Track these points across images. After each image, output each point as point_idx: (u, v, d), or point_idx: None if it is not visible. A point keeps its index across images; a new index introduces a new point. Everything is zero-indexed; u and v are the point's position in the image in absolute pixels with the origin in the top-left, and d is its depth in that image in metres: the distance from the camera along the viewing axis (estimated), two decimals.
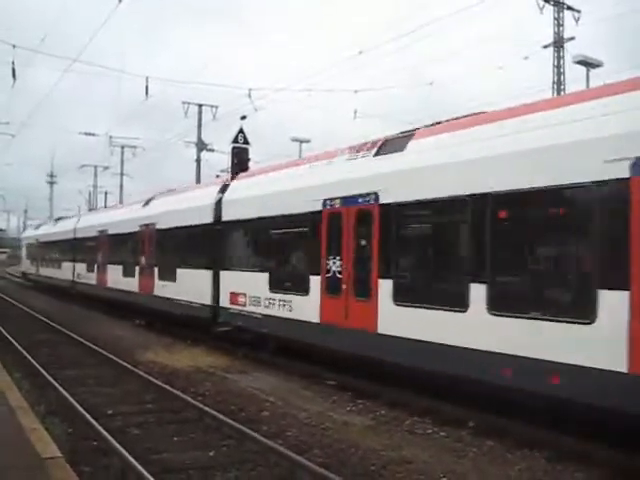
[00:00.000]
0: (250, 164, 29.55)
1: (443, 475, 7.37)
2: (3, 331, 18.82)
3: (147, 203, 23.24)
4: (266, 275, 14.20)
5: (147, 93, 27.87)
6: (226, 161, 33.11)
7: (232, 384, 12.45)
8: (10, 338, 17.44)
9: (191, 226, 18.20)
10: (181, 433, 8.99)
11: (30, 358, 14.29)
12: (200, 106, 36.45)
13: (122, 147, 51.31)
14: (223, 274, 16.41)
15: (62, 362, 14.47)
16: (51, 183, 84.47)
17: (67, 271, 33.24)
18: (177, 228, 19.37)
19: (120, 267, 24.30)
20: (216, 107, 36.38)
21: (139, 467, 7.17)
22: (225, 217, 16.70)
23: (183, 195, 20.75)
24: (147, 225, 21.63)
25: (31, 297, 35.21)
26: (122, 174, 57.41)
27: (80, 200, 71.08)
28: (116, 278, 24.64)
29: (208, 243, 17.22)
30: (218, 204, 17.00)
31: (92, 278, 28.23)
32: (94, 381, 12.54)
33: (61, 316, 24.03)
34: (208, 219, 17.21)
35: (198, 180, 34.36)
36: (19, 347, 15.86)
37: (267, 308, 14.16)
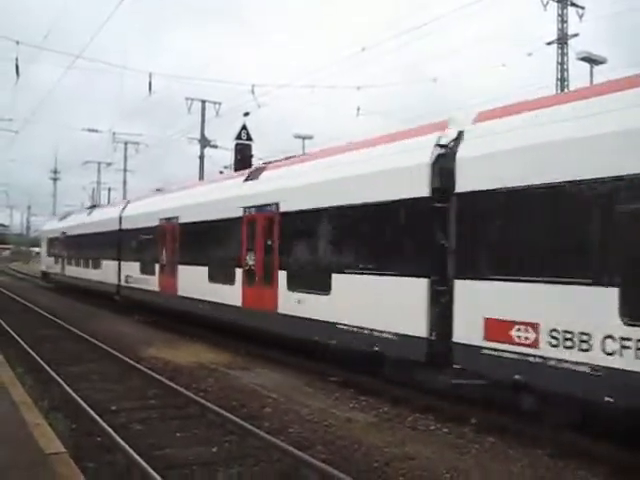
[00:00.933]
0: (253, 160, 29.61)
1: (446, 471, 7.38)
2: (6, 326, 18.89)
3: (253, 176, 16.34)
4: (205, 269, 17.50)
5: (150, 89, 27.95)
6: (229, 157, 33.19)
7: (234, 380, 12.47)
8: (13, 333, 17.49)
9: (386, 203, 10.82)
10: (184, 429, 9.01)
11: (33, 353, 14.33)
12: (203, 102, 36.43)
13: (125, 143, 51.38)
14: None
15: (65, 358, 14.50)
16: (54, 179, 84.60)
17: (109, 272, 26.59)
18: (350, 207, 11.74)
19: (202, 269, 17.54)
20: (219, 103, 36.37)
21: (143, 463, 7.20)
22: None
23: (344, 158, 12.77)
24: (263, 207, 14.93)
25: (33, 293, 35.28)
26: (125, 170, 57.55)
27: (83, 196, 71.17)
28: (197, 285, 17.93)
29: (420, 230, 10.18)
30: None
31: (151, 283, 21.71)
32: (97, 377, 12.57)
33: (63, 312, 24.07)
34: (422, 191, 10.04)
35: (201, 177, 34.37)
36: (22, 342, 15.90)
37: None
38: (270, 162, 17.25)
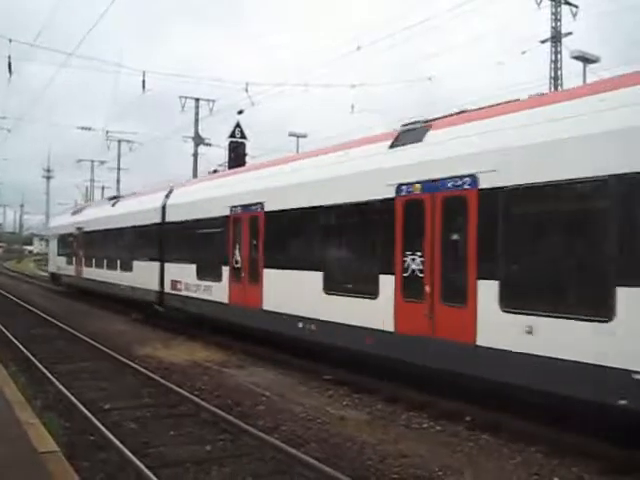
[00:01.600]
0: (247, 159, 29.61)
1: (439, 469, 7.39)
2: None
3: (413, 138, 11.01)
4: (319, 275, 12.65)
5: (144, 87, 27.90)
6: (224, 155, 33.18)
7: (228, 379, 12.46)
8: (6, 332, 17.44)
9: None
10: (178, 427, 9.00)
11: (27, 352, 14.29)
12: (197, 100, 36.41)
13: (119, 141, 51.29)
14: None
15: (59, 356, 14.49)
16: (48, 178, 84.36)
17: (145, 275, 21.25)
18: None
19: (312, 275, 12.71)
20: (213, 101, 36.39)
21: (136, 461, 7.20)
22: None
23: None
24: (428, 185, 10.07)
25: (27, 291, 35.18)
26: (119, 168, 57.46)
27: (77, 194, 71.05)
28: (300, 297, 13.18)
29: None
30: None
31: (216, 291, 16.62)
32: (91, 376, 12.55)
33: (58, 310, 24.04)
34: None
35: (195, 175, 34.35)
36: (16, 341, 15.86)
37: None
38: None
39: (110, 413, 9.71)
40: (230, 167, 28.67)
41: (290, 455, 7.57)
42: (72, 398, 10.17)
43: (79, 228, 30.87)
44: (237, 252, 15.69)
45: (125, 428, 8.96)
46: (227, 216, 16.12)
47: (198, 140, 36.66)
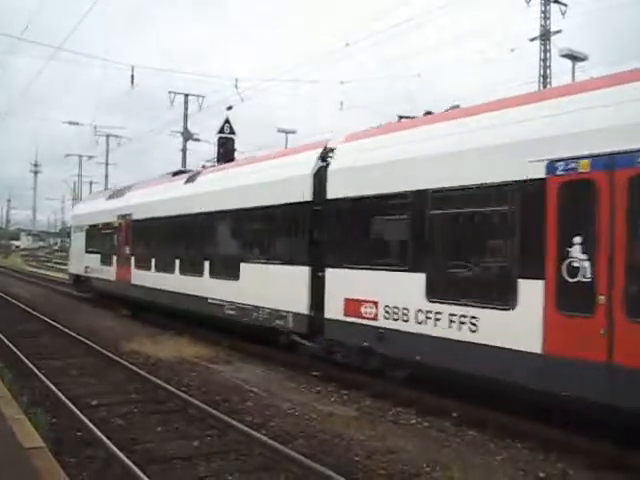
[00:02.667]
0: (235, 155, 29.55)
1: (426, 465, 7.42)
2: None
3: None
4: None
5: (133, 82, 27.81)
6: (212, 151, 33.07)
7: (216, 375, 12.45)
8: None
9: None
10: (165, 423, 8.99)
11: (13, 348, 14.21)
12: (186, 96, 36.30)
13: (107, 136, 51.09)
14: None
15: (46, 352, 14.41)
16: (35, 172, 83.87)
17: (276, 287, 13.61)
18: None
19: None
20: (202, 97, 36.27)
21: (123, 457, 7.18)
22: None
23: None
24: None
25: (13, 286, 34.94)
26: (107, 163, 57.21)
27: (65, 189, 70.73)
28: None
29: None
30: None
31: (504, 329, 8.53)
32: (78, 371, 12.50)
33: (44, 305, 23.89)
34: None
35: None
36: (1, 336, 15.74)
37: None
38: None
39: (97, 409, 9.67)
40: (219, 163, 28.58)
41: (277, 451, 7.57)
42: (59, 394, 10.12)
43: (124, 216, 22.52)
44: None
45: (112, 424, 8.93)
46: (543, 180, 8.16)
47: (187, 135, 36.56)
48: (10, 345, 14.61)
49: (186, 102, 36.32)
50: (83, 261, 27.37)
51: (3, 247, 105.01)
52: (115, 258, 23.19)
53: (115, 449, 7.46)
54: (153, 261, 19.89)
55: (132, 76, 28.33)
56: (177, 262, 18.18)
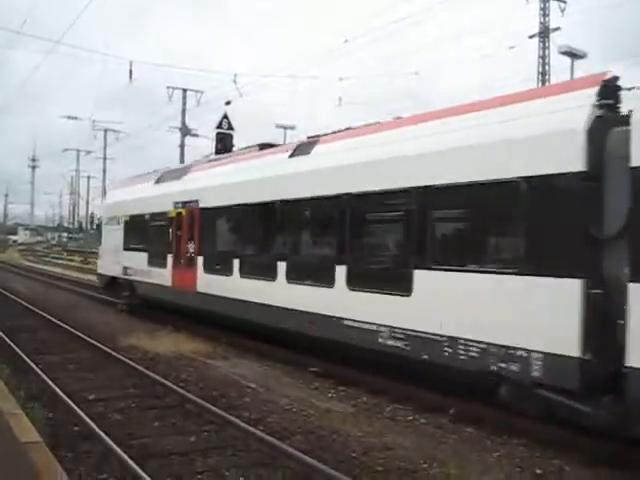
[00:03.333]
0: (234, 150, 29.52)
1: (423, 461, 7.43)
2: None
3: None
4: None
5: (131, 77, 27.78)
6: (210, 146, 33.05)
7: (214, 370, 12.45)
8: None
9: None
10: (162, 418, 8.99)
11: (10, 342, 14.19)
12: (184, 91, 36.26)
13: (105, 131, 51.07)
14: None
15: (43, 347, 14.40)
16: (33, 167, 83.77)
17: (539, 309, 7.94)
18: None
19: None
20: (201, 92, 36.26)
21: (120, 452, 7.19)
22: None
23: None
24: None
25: (10, 280, 34.89)
26: (105, 158, 57.21)
27: (63, 184, 70.71)
28: None
29: None
30: None
31: None
32: (75, 366, 12.49)
33: (42, 300, 23.84)
34: None
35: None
36: None
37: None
38: None
39: (94, 404, 9.67)
40: None
41: (275, 447, 7.58)
42: (56, 389, 10.12)
43: (186, 203, 17.42)
44: None
45: (109, 419, 8.93)
46: None
47: (185, 131, 36.54)
48: (7, 340, 14.59)
49: (184, 97, 36.32)
50: (120, 260, 21.80)
51: (0, 242, 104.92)
52: (171, 258, 17.93)
53: (112, 444, 7.46)
54: (236, 263, 14.65)
55: (130, 71, 28.37)
56: (281, 265, 12.91)
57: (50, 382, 10.54)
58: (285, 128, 42.15)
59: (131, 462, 6.86)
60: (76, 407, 9.07)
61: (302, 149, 13.53)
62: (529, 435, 8.18)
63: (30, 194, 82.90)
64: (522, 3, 31.67)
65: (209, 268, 16.02)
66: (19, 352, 13.13)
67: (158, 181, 20.47)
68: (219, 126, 31.72)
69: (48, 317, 18.93)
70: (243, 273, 14.45)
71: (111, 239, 23.10)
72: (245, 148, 17.30)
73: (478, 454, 7.77)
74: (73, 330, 16.37)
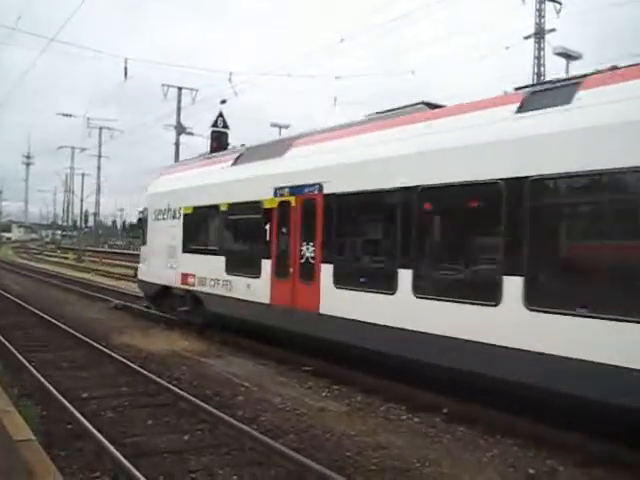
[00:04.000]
0: (229, 148, 29.50)
1: (417, 461, 7.44)
2: None
3: None
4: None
5: (126, 75, 27.70)
6: (205, 145, 32.97)
7: (207, 368, 12.43)
8: None
9: None
10: (156, 417, 8.97)
11: (3, 340, 14.14)
12: (180, 89, 36.20)
13: (100, 129, 50.96)
14: None
15: (36, 345, 14.35)
16: (27, 164, 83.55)
17: None
18: None
19: None
20: (196, 90, 36.19)
21: (113, 450, 7.17)
22: None
23: None
24: None
25: (3, 277, 34.80)
26: (100, 156, 57.08)
27: (57, 181, 70.59)
28: None
29: None
30: None
31: None
32: (69, 364, 12.46)
33: (36, 297, 23.79)
34: None
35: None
36: None
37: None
38: None
39: (88, 402, 9.64)
40: None
41: (268, 446, 7.57)
42: (49, 386, 10.09)
43: (297, 189, 12.60)
44: None
45: (103, 417, 8.91)
46: None
47: (180, 129, 36.47)
48: (0, 337, 14.54)
49: (179, 95, 36.24)
50: (178, 265, 17.01)
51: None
52: (268, 264, 13.21)
53: (105, 442, 7.44)
54: (405, 276, 9.81)
55: (125, 68, 28.25)
56: (509, 282, 8.22)
57: (43, 380, 10.50)
58: (280, 127, 42.11)
59: (124, 460, 6.84)
60: (69, 405, 9.04)
61: (534, 100, 8.78)
62: (523, 435, 8.19)
63: (24, 191, 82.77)
64: (518, 4, 31.78)
65: (344, 281, 11.18)
66: (12, 350, 13.09)
67: (238, 161, 15.51)
68: (214, 124, 31.65)
69: (41, 315, 18.87)
70: (423, 292, 9.54)
71: (162, 237, 18.11)
72: (404, 107, 11.70)
73: (471, 454, 7.78)
74: (66, 328, 16.32)
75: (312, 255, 11.95)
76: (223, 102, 31.63)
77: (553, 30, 31.50)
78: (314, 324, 11.66)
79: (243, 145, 16.01)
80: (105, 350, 13.43)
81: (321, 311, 11.55)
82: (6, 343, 13.80)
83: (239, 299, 14.05)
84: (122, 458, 6.91)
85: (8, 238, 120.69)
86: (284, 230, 12.92)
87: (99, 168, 57.99)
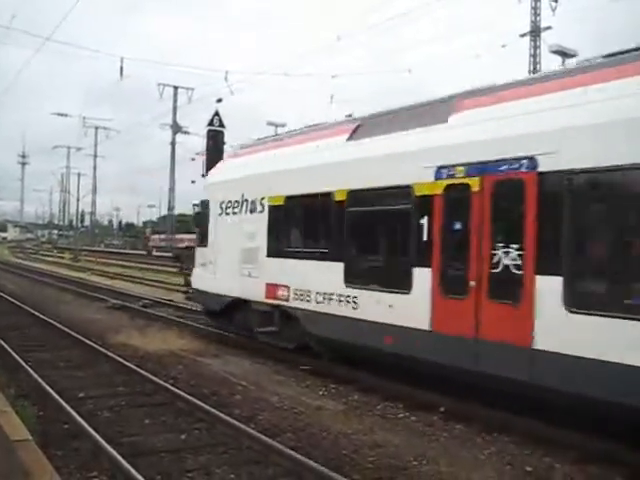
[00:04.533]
0: (225, 147, 29.44)
1: (414, 459, 7.44)
2: None
3: None
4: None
5: (122, 74, 27.65)
6: (201, 144, 32.95)
7: (204, 367, 12.42)
8: None
9: None
10: (153, 416, 8.96)
11: (0, 340, 14.12)
12: (176, 88, 36.18)
13: (96, 128, 50.90)
14: None
15: (33, 344, 14.31)
16: (22, 164, 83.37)
17: None
18: None
19: None
20: (192, 89, 36.18)
21: (110, 450, 7.16)
22: None
23: None
24: None
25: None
26: (96, 155, 57.01)
27: (53, 181, 70.58)
28: None
29: None
30: None
31: None
32: (66, 364, 12.43)
33: (32, 297, 23.74)
34: None
35: (173, 166, 34.09)
36: None
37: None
38: None
39: (84, 402, 9.62)
40: (208, 157, 28.49)
41: (266, 445, 7.57)
42: (46, 386, 10.07)
43: (485, 166, 8.73)
44: None
45: (99, 417, 8.90)
46: None
47: (176, 128, 36.47)
48: None
49: (175, 94, 36.24)
50: (259, 273, 13.43)
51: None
52: (427, 275, 9.50)
53: (102, 442, 7.43)
54: None
55: (121, 67, 28.26)
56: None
57: (40, 380, 10.48)
58: (276, 125, 42.03)
59: (121, 460, 6.84)
60: (66, 405, 9.02)
61: None
62: (520, 432, 8.20)
63: (20, 191, 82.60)
64: (514, 2, 31.78)
65: (587, 301, 7.57)
66: (9, 349, 13.06)
67: (357, 134, 11.79)
68: (210, 123, 31.64)
69: (37, 314, 18.83)
70: None
71: (234, 236, 14.38)
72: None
73: (468, 451, 7.79)
74: (63, 327, 16.30)
75: (516, 263, 8.25)
76: (219, 101, 31.70)
77: (549, 28, 31.57)
78: (520, 365, 8.08)
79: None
80: (101, 349, 13.42)
81: (537, 346, 7.91)
82: (2, 343, 13.77)
83: (370, 321, 10.40)
84: (119, 457, 6.90)
85: (4, 238, 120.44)
86: (457, 226, 9.30)
87: (95, 168, 58.02)
